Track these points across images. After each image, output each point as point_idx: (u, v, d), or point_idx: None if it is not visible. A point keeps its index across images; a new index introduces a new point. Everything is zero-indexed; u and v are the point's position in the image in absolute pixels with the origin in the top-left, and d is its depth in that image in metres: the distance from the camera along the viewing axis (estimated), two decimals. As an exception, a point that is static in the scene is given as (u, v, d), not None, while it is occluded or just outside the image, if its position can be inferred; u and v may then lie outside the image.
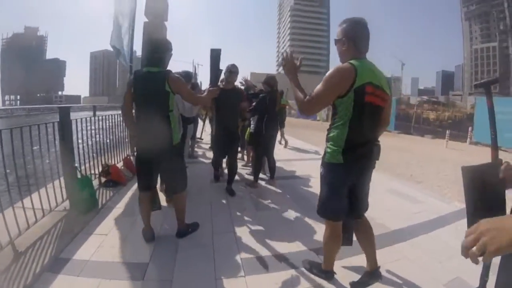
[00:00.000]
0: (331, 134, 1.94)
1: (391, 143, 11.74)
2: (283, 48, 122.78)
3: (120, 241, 2.73)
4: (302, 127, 17.24)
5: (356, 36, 1.92)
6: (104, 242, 2.68)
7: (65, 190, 3.28)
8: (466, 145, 12.67)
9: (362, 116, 1.84)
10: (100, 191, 3.93)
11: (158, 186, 3.04)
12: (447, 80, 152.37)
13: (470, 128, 13.06)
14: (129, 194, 3.99)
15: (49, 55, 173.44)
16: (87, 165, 4.13)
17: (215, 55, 3.01)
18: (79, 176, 3.44)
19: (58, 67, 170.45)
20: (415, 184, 5.48)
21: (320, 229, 2.87)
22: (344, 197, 2.00)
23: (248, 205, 3.82)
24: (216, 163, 4.63)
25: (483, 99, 17.16)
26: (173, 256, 2.53)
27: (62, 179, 3.33)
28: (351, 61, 1.83)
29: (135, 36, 6.54)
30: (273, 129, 4.63)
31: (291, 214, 3.58)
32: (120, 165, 4.87)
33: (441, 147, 11.58)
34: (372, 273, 2.21)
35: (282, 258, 2.54)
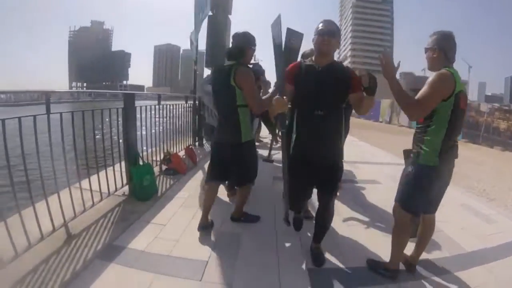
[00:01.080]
0: (428, 137, 1.99)
1: (459, 152, 10.34)
2: (344, 45, 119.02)
3: (179, 233, 2.47)
4: (364, 128, 16.04)
5: (447, 46, 2.03)
6: (161, 233, 2.44)
7: (125, 175, 3.14)
8: None
9: (457, 120, 1.97)
10: (160, 178, 3.78)
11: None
12: None
13: None
14: (190, 184, 3.79)
15: (115, 47, 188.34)
16: (149, 151, 4.03)
17: (294, 40, 2.64)
18: (140, 162, 3.29)
19: (123, 58, 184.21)
20: (488, 201, 4.52)
21: (381, 240, 2.58)
22: (430, 196, 2.07)
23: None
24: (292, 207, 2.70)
25: None
26: (234, 256, 2.22)
27: (123, 164, 3.19)
28: (448, 68, 1.93)
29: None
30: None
31: (353, 222, 3.06)
32: (181, 154, 4.72)
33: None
34: (411, 265, 2.26)
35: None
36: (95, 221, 2.50)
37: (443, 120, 1.93)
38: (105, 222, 2.54)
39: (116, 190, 2.96)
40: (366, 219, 3.07)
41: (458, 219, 3.36)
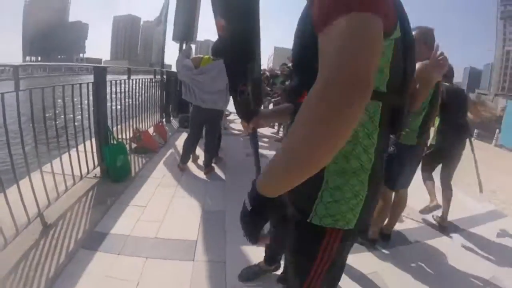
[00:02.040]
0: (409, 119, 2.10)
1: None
2: None
3: (161, 214, 2.40)
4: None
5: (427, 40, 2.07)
6: (143, 215, 2.36)
7: (97, 156, 2.94)
8: (491, 146, 11.89)
9: (434, 103, 2.19)
10: (132, 158, 3.58)
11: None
12: (474, 77, 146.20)
13: (497, 130, 12.22)
14: (164, 162, 3.68)
15: (72, 17, 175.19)
16: (117, 128, 3.77)
17: None
18: (112, 141, 3.10)
19: (80, 30, 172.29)
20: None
21: None
22: (411, 173, 2.33)
23: None
24: None
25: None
26: (221, 233, 2.21)
27: (93, 142, 2.98)
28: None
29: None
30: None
31: None
32: (151, 131, 4.53)
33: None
34: (385, 235, 2.45)
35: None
36: (70, 207, 2.31)
37: (425, 104, 2.11)
38: (81, 207, 2.37)
39: (88, 172, 2.76)
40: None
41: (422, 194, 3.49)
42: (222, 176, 3.48)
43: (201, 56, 3.27)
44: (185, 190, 2.93)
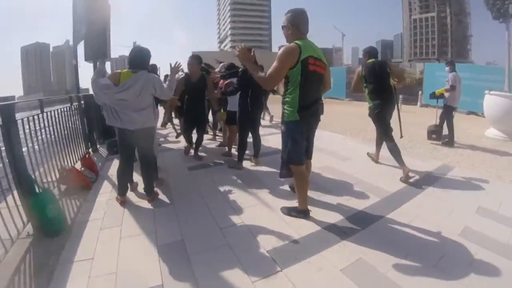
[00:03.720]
0: (287, 99, 2.57)
1: (349, 111, 12.26)
2: (224, 25, 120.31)
3: (113, 264, 2.20)
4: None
5: (298, 22, 2.55)
6: (93, 271, 2.13)
7: (24, 210, 2.57)
8: (417, 108, 13.70)
9: (308, 81, 2.47)
10: (64, 202, 3.23)
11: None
12: (386, 49, 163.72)
13: (420, 92, 14.07)
14: (100, 199, 3.39)
15: None
16: (40, 171, 3.34)
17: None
18: (37, 190, 2.74)
19: None
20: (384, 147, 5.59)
21: (325, 204, 3.15)
22: (303, 145, 2.66)
23: (239, 188, 3.65)
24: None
25: (431, 65, 18.39)
26: (187, 267, 2.12)
27: (16, 195, 2.60)
28: (296, 41, 2.47)
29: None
30: (259, 105, 4.37)
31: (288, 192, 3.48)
32: (78, 166, 4.14)
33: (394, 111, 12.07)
34: (301, 210, 2.82)
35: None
36: (10, 281, 1.98)
37: (295, 83, 2.48)
38: (22, 280, 2.05)
39: (19, 232, 2.41)
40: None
41: (374, 169, 4.35)
42: (168, 200, 3.35)
43: (119, 71, 3.03)
44: (132, 227, 2.74)
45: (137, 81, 2.90)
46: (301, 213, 2.79)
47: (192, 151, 5.07)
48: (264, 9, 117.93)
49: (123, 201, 3.21)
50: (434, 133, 6.50)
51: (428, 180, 3.84)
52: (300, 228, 2.62)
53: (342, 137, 6.94)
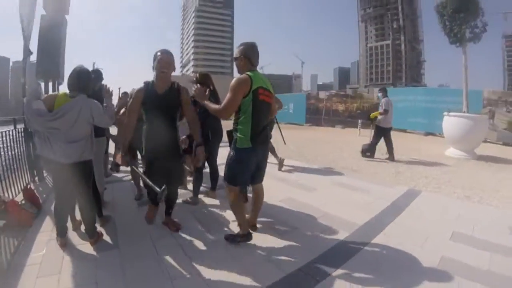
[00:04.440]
0: (240, 127, 2.62)
1: (308, 136, 12.46)
2: (186, 49, 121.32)
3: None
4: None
5: (250, 55, 2.67)
6: None
7: None
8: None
9: (259, 110, 2.59)
10: (1, 241, 2.77)
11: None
12: (343, 75, 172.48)
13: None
14: (40, 238, 2.94)
15: None
16: None
17: None
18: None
19: None
20: (352, 173, 5.58)
21: (291, 242, 2.87)
22: (250, 171, 2.73)
23: (197, 229, 3.21)
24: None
25: (388, 89, 19.42)
26: None
27: None
28: (247, 73, 2.60)
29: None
30: (217, 135, 4.05)
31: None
32: (19, 198, 3.65)
33: (354, 136, 12.49)
34: (253, 226, 3.04)
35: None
36: None
37: (247, 112, 2.56)
38: None
39: None
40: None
41: (338, 197, 4.17)
42: (113, 242, 2.91)
43: (55, 93, 2.65)
44: (71, 277, 2.31)
45: (73, 108, 2.51)
46: (245, 236, 2.81)
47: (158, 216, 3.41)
48: (227, 35, 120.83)
49: (63, 244, 2.76)
50: (368, 151, 7.20)
51: (396, 208, 3.71)
52: (264, 277, 2.29)
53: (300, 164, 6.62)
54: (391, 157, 6.94)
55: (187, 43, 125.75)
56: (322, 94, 20.67)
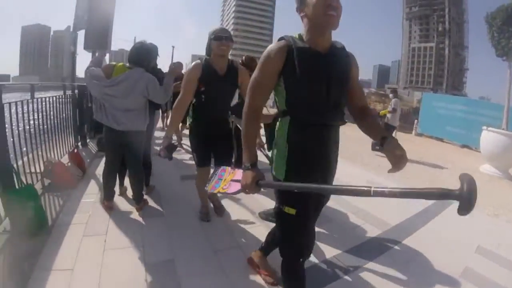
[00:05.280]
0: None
1: (347, 132, 12.12)
2: (227, 27, 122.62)
3: (95, 279, 1.95)
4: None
5: None
6: (73, 284, 1.88)
7: (2, 205, 2.32)
8: (412, 136, 13.83)
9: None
10: (46, 199, 2.97)
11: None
12: (383, 73, 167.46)
13: (416, 121, 14.29)
14: (85, 200, 3.10)
15: None
16: (24, 161, 3.06)
17: None
18: (17, 185, 2.49)
19: None
20: (386, 174, 5.48)
21: (323, 235, 2.75)
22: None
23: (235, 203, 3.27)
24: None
25: (429, 94, 18.87)
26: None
27: None
28: None
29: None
30: None
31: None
32: (65, 160, 3.86)
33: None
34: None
35: None
36: None
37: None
38: None
39: None
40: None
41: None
42: (159, 208, 3.09)
43: (114, 63, 2.74)
44: (117, 238, 2.46)
45: (129, 78, 2.61)
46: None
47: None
48: (267, 22, 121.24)
49: (109, 207, 2.92)
50: (377, 145, 6.84)
51: (428, 214, 3.70)
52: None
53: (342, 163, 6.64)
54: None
55: (227, 20, 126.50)
56: (362, 91, 20.37)
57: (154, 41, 3.03)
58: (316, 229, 2.80)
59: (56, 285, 1.86)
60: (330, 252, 2.54)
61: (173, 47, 39.54)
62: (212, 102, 2.50)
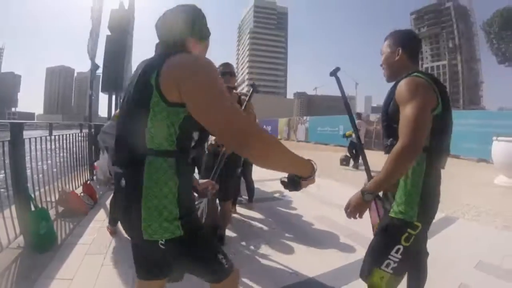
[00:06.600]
0: None
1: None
2: (241, 68, 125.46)
3: (91, 285, 2.24)
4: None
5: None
6: None
7: (18, 223, 2.70)
8: None
9: None
10: (58, 223, 3.35)
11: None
12: None
13: None
14: (93, 226, 3.46)
15: (4, 68, 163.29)
16: (41, 191, 3.46)
17: None
18: (32, 208, 2.87)
19: (13, 81, 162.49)
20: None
21: (312, 254, 2.96)
22: None
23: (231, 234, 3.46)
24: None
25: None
26: None
27: (13, 209, 2.73)
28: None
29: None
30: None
31: (277, 241, 3.28)
32: (79, 191, 4.26)
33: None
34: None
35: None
36: None
37: None
38: (3, 285, 2.13)
39: (9, 242, 2.54)
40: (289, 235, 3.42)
41: (367, 216, 4.02)
42: None
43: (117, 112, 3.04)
44: (115, 257, 2.74)
45: None
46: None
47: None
48: (281, 56, 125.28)
49: (112, 232, 3.22)
50: (344, 161, 9.46)
51: (429, 233, 3.56)
52: (280, 280, 2.48)
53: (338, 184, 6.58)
54: (355, 166, 8.89)
55: (242, 63, 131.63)
56: (373, 117, 20.14)
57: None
58: (304, 249, 2.99)
59: (56, 290, 2.15)
60: (312, 272, 2.59)
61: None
62: None
